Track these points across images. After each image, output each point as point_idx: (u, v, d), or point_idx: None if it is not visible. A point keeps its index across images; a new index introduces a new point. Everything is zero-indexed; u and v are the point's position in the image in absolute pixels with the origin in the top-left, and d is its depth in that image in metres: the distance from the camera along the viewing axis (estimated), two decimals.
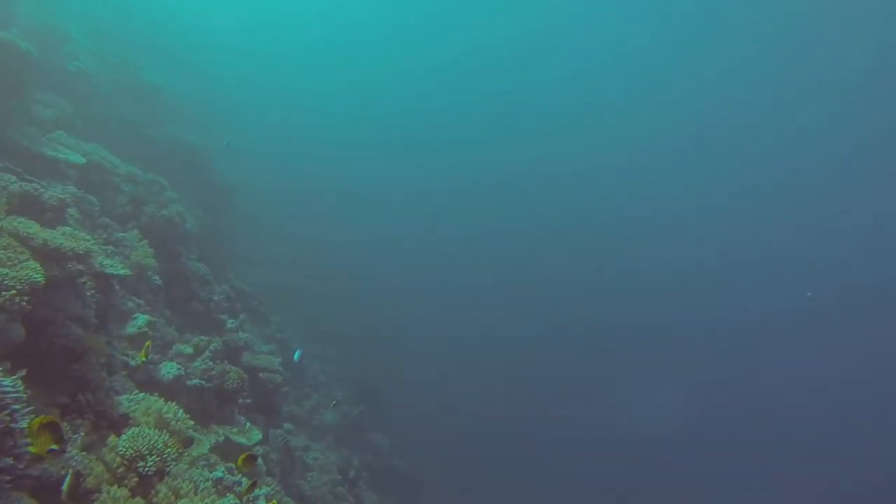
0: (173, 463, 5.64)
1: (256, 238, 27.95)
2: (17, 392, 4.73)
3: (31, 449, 4.90)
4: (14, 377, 4.82)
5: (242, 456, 6.46)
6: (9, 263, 5.55)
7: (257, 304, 19.00)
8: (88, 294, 6.66)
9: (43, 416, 3.85)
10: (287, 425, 14.25)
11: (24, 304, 5.34)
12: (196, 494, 5.37)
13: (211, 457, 7.53)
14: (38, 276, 5.59)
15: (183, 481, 5.44)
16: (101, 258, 6.67)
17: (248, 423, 9.87)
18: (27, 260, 5.75)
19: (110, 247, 9.28)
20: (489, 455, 29.53)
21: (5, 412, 4.74)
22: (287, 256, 30.78)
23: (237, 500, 7.21)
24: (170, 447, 5.68)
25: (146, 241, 10.43)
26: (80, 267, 6.10)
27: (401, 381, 30.09)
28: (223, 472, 7.48)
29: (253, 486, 6.59)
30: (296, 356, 10.96)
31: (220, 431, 8.52)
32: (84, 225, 8.69)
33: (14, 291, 5.30)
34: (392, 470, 19.41)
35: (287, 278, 27.54)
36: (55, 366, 6.09)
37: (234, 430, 9.14)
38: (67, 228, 6.59)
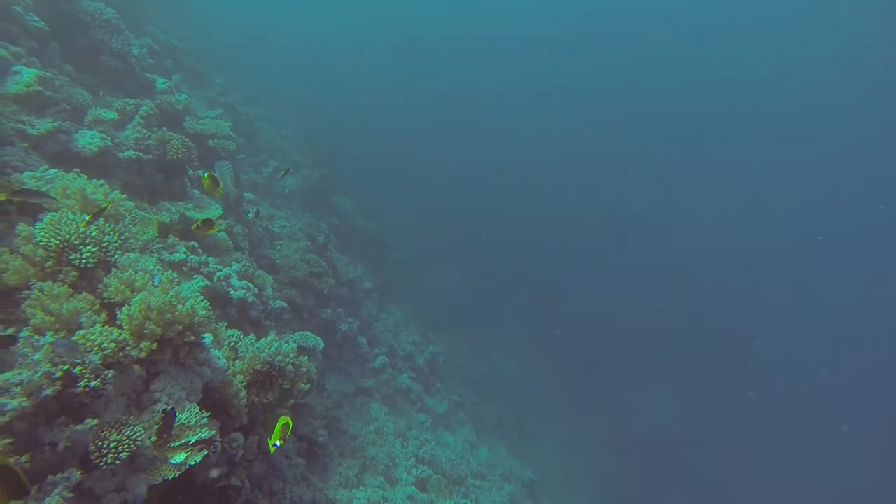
0: (117, 252, 4.64)
1: None
2: None
3: None
4: None
5: (197, 222, 5.53)
6: None
7: (193, 63, 16.10)
8: None
9: None
10: (247, 194, 13.36)
11: None
12: (155, 285, 4.51)
13: (168, 238, 6.58)
14: None
15: (136, 272, 4.52)
16: None
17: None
18: None
19: None
20: (447, 217, 30.64)
21: None
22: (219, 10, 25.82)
23: (207, 282, 6.57)
24: (108, 234, 4.60)
25: None
26: None
27: (358, 141, 28.95)
28: (185, 252, 6.65)
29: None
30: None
31: (174, 209, 7.43)
32: None
33: None
34: (359, 231, 19.57)
35: (224, 34, 23.45)
36: None
37: (190, 205, 8.07)
38: None
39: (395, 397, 14.11)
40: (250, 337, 5.72)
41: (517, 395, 21.70)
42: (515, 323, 26.17)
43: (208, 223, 5.62)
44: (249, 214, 10.82)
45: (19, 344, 3.72)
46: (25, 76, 6.26)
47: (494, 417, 18.56)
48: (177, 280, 4.94)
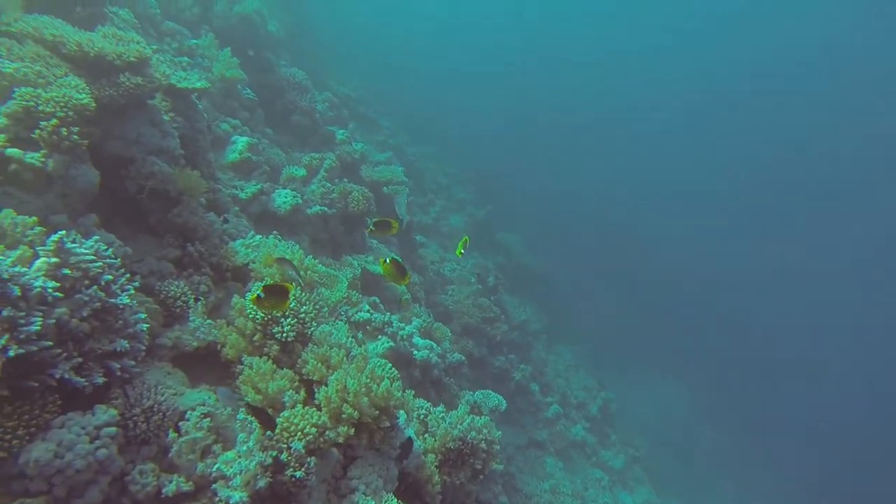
0: (313, 324, 4.50)
1: (350, 37, 25.03)
2: (105, 257, 3.51)
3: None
4: (95, 238, 3.55)
5: (385, 260, 5.00)
6: (40, 81, 3.96)
7: (365, 110, 17.27)
8: (165, 119, 5.10)
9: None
10: (418, 237, 13.55)
11: (75, 137, 3.85)
12: (350, 362, 4.25)
13: (352, 294, 6.55)
14: (84, 96, 3.98)
15: (330, 348, 4.31)
16: (165, 67, 4.94)
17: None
18: (65, 75, 4.13)
19: (184, 58, 7.53)
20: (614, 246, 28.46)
21: (97, 285, 3.60)
22: (384, 54, 27.90)
23: (391, 343, 6.35)
24: (305, 305, 4.50)
25: (228, 48, 8.52)
26: (138, 80, 4.39)
27: (521, 176, 28.58)
28: (368, 311, 6.54)
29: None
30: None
31: (356, 263, 7.49)
32: (146, 34, 6.88)
33: (56, 121, 3.78)
34: (525, 269, 18.89)
35: (387, 78, 25.16)
36: (154, 213, 4.91)
37: (370, 257, 8.13)
38: (110, 28, 4.76)
39: (569, 450, 12.93)
40: (440, 408, 5.28)
41: (690, 441, 19.05)
42: (685, 358, 23.14)
43: (400, 269, 5.12)
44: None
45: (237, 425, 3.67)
46: (239, 144, 6.81)
47: (671, 471, 16.37)
48: (368, 352, 4.67)
